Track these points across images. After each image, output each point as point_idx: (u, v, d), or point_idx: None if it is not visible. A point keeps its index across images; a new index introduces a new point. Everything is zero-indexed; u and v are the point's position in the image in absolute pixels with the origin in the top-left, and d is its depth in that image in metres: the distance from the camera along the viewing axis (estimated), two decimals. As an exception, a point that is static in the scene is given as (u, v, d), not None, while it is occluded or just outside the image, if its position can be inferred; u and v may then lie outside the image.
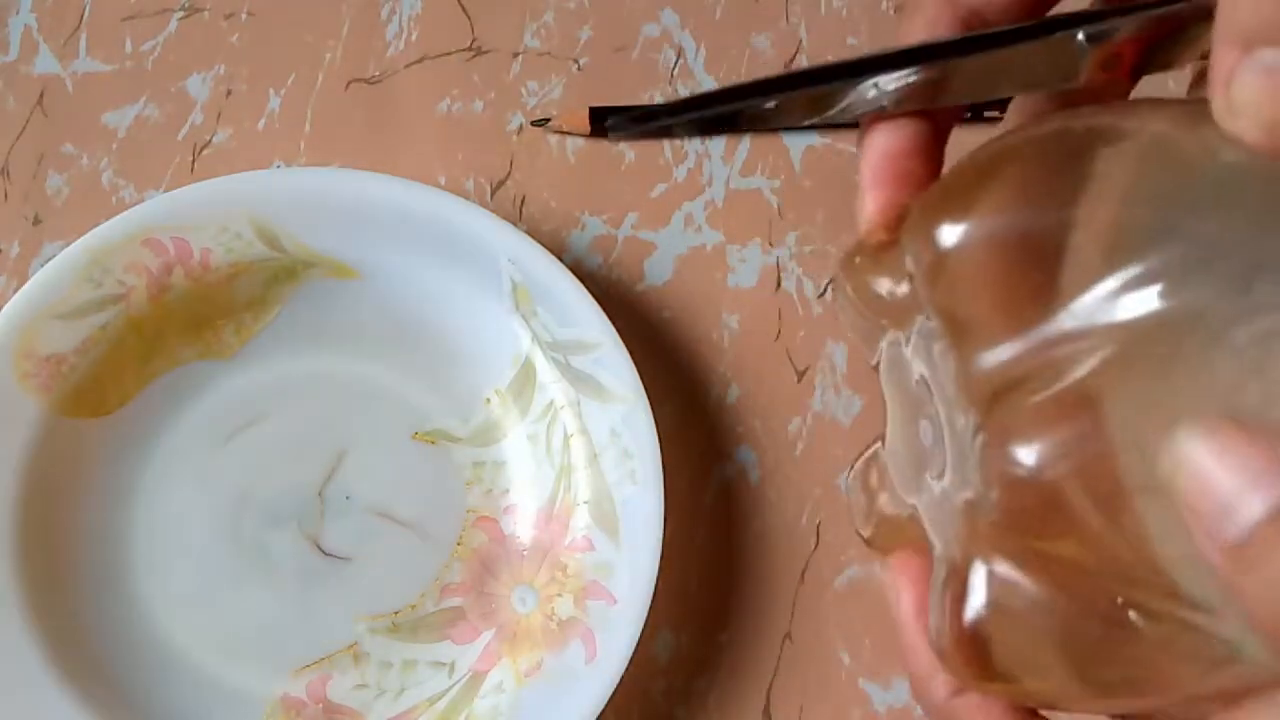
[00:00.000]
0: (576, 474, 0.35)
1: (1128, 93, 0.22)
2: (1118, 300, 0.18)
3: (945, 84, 0.21)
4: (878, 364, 0.25)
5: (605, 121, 0.39)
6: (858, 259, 0.23)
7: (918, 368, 0.22)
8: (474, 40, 0.41)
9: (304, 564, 0.36)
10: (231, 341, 0.37)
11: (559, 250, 0.39)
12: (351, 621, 0.36)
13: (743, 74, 0.41)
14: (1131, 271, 0.18)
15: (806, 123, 0.22)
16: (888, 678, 0.36)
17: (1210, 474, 0.16)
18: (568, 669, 0.34)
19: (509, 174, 0.40)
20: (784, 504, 0.38)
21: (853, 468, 0.26)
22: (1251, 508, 0.15)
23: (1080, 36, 0.20)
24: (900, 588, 0.22)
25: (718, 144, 0.40)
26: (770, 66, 0.41)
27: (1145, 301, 0.17)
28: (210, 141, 0.40)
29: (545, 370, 0.36)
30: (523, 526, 0.36)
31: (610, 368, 0.35)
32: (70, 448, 0.35)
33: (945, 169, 0.22)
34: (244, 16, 0.41)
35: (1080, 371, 0.18)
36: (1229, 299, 0.17)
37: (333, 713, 0.35)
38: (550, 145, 0.40)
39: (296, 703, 0.35)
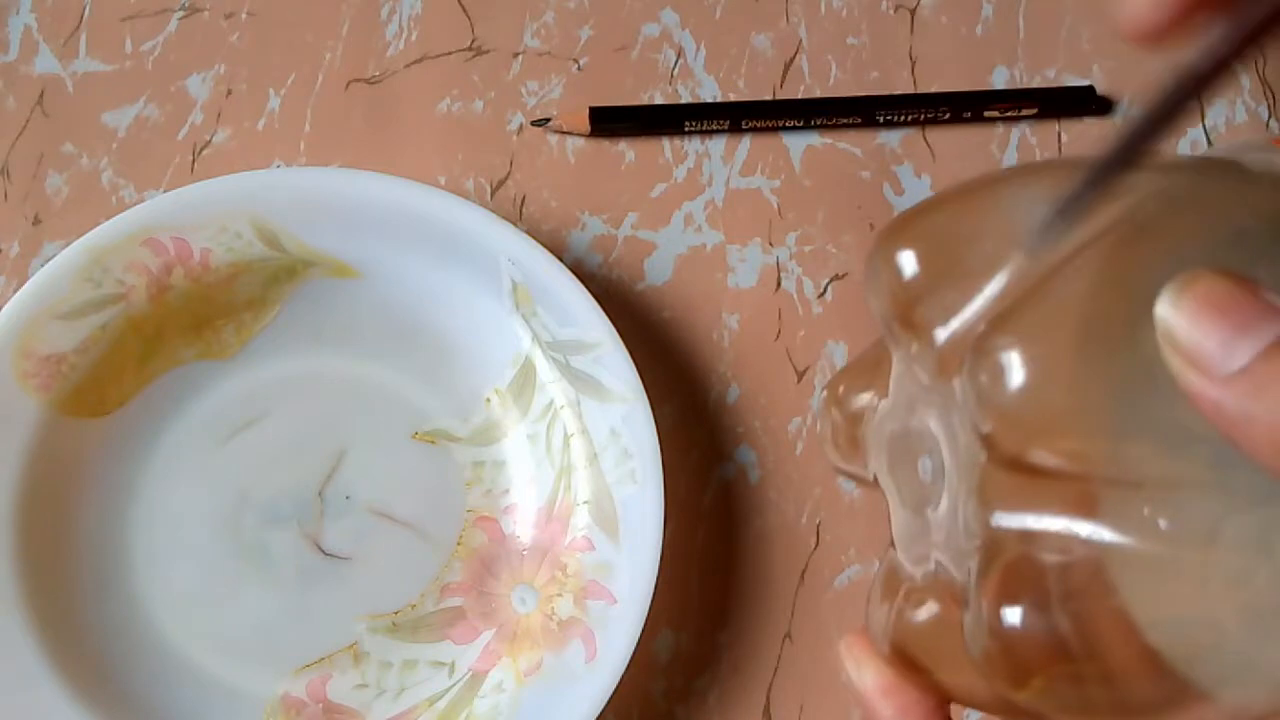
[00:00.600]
0: (576, 474, 0.35)
1: None
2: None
3: None
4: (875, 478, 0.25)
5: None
6: (841, 387, 0.23)
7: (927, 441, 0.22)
8: (474, 40, 0.41)
9: (304, 564, 0.36)
10: (231, 341, 0.37)
11: (559, 250, 0.39)
12: (351, 621, 0.36)
13: (743, 74, 0.41)
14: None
15: None
16: (888, 678, 0.36)
17: (1209, 318, 0.16)
18: (568, 669, 0.34)
19: (509, 174, 0.40)
20: (784, 504, 0.38)
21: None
22: (1256, 337, 0.16)
23: None
24: (862, 663, 0.22)
25: (718, 144, 0.40)
26: (770, 66, 0.41)
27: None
28: (210, 141, 0.40)
29: (545, 370, 0.36)
30: (523, 526, 0.36)
31: (610, 368, 0.35)
32: (70, 447, 0.35)
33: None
34: (244, 16, 0.41)
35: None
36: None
37: (333, 712, 0.35)
38: (550, 145, 0.40)
39: (296, 702, 0.35)
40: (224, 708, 0.35)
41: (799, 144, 0.40)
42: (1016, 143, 0.41)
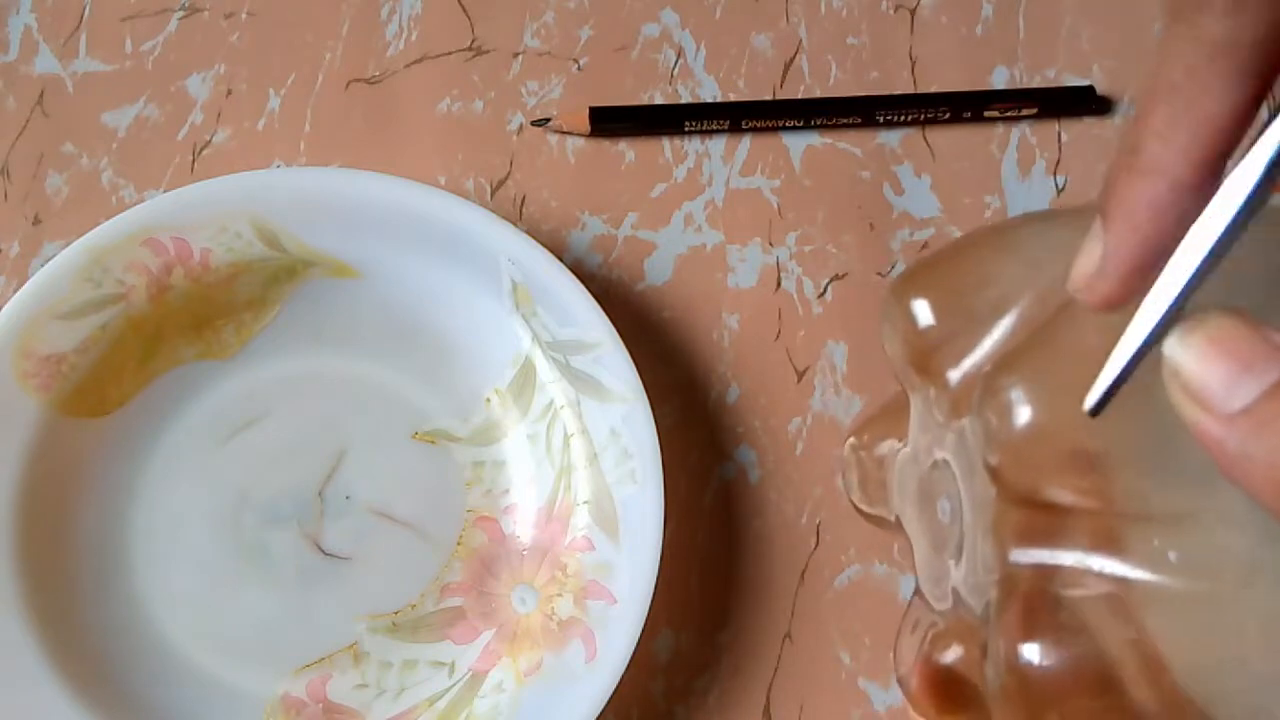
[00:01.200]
0: (576, 474, 0.35)
1: None
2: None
3: None
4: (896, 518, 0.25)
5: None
6: (866, 435, 0.23)
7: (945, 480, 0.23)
8: (474, 40, 0.41)
9: (304, 564, 0.36)
10: (231, 341, 0.37)
11: (559, 250, 0.39)
12: (351, 621, 0.36)
13: (743, 74, 0.41)
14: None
15: None
16: (887, 678, 0.36)
17: (1215, 357, 0.16)
18: (568, 669, 0.34)
19: (509, 174, 0.40)
20: (784, 504, 0.38)
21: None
22: (1260, 377, 0.16)
23: None
24: None
25: (718, 144, 0.40)
26: (770, 66, 0.41)
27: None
28: (210, 141, 0.40)
29: (545, 370, 0.36)
30: (523, 526, 0.36)
31: (610, 367, 0.35)
32: (70, 447, 0.35)
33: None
34: (244, 16, 0.41)
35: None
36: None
37: (333, 712, 0.35)
38: (550, 145, 0.40)
39: (296, 702, 0.35)
40: (224, 708, 0.35)
41: (799, 144, 0.40)
42: (1016, 143, 0.41)
